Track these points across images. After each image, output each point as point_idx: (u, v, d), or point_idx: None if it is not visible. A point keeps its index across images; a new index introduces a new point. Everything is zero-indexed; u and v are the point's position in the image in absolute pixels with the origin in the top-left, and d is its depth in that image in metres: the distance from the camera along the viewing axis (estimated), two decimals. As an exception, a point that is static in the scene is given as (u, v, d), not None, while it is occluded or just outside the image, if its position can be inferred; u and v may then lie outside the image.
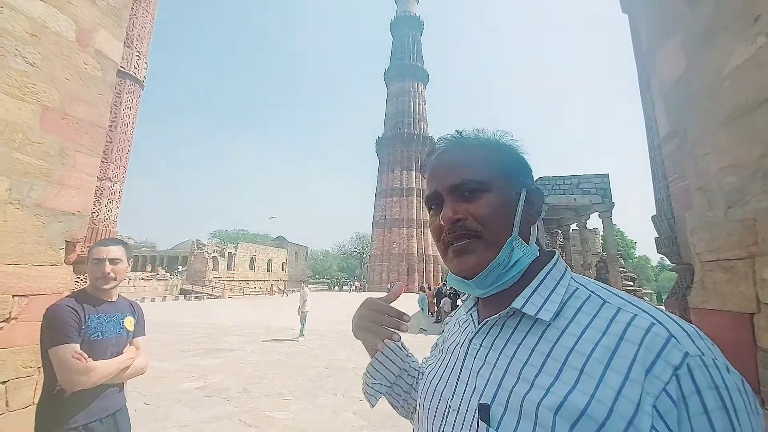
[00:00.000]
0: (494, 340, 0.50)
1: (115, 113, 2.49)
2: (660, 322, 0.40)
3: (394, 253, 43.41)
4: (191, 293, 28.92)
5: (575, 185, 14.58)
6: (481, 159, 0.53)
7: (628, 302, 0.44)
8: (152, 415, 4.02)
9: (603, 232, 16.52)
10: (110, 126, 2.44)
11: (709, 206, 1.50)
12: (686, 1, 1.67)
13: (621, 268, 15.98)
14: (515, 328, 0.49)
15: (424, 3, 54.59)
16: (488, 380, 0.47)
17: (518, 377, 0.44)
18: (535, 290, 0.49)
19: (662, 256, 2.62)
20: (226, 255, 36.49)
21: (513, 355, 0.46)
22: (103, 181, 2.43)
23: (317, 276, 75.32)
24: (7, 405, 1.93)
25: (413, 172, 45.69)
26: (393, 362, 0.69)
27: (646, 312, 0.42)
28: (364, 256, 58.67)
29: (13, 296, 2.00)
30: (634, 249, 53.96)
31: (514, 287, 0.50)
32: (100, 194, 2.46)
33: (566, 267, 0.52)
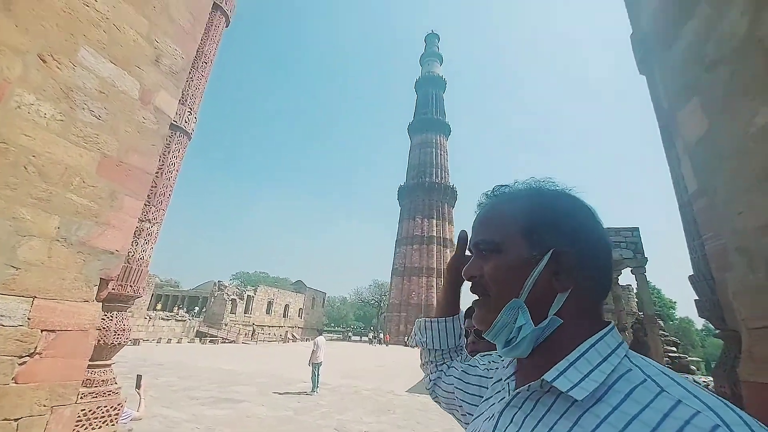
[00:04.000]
0: (525, 418, 0.45)
1: (162, 161, 2.74)
2: (727, 425, 0.33)
3: (413, 303, 42.01)
4: (206, 336, 28.68)
5: (605, 231, 14.06)
6: (501, 217, 0.51)
7: (693, 395, 0.37)
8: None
9: (637, 289, 15.47)
10: (157, 172, 2.67)
11: (749, 268, 1.42)
12: (703, 66, 1.73)
13: (661, 331, 14.60)
14: (549, 408, 0.43)
15: (447, 64, 58.82)
16: None
17: None
18: (572, 364, 0.43)
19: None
20: (245, 297, 36.54)
21: None
22: (143, 222, 2.60)
23: (332, 324, 73.29)
24: (15, 443, 1.89)
25: (434, 221, 45.75)
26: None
27: (713, 410, 0.35)
28: (382, 305, 57.10)
29: (42, 331, 2.06)
30: (674, 309, 49.70)
31: (551, 357, 0.45)
32: (138, 234, 2.61)
33: (619, 343, 0.44)
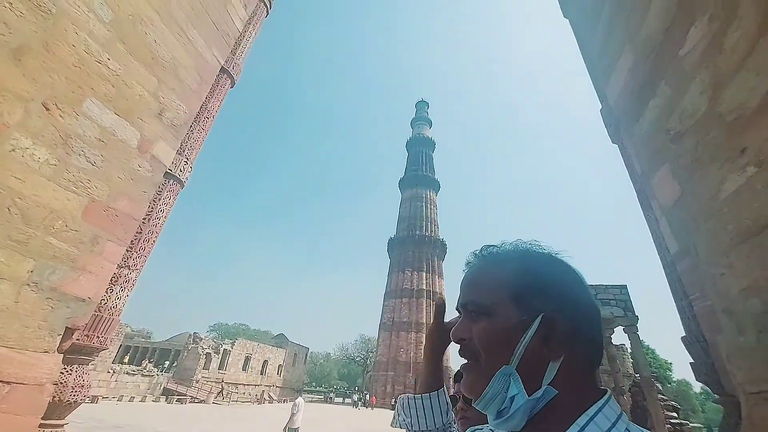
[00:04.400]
0: None
1: (152, 207, 2.72)
2: None
3: (401, 361, 39.72)
4: (174, 394, 26.13)
5: (593, 296, 13.97)
6: (490, 280, 0.50)
7: None
8: None
9: (631, 349, 15.05)
10: (144, 218, 2.64)
11: (738, 330, 1.41)
12: (669, 137, 1.88)
13: (660, 395, 13.92)
14: None
15: (436, 127, 62.81)
16: None
17: None
18: None
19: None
20: (221, 351, 34.12)
21: None
22: (122, 269, 2.50)
23: (314, 383, 68.09)
24: None
25: (424, 273, 45.22)
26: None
27: None
28: (368, 362, 53.83)
29: (-5, 384, 1.87)
30: (670, 371, 47.87)
31: (550, 429, 0.42)
32: (115, 281, 2.50)
33: (619, 415, 0.42)
